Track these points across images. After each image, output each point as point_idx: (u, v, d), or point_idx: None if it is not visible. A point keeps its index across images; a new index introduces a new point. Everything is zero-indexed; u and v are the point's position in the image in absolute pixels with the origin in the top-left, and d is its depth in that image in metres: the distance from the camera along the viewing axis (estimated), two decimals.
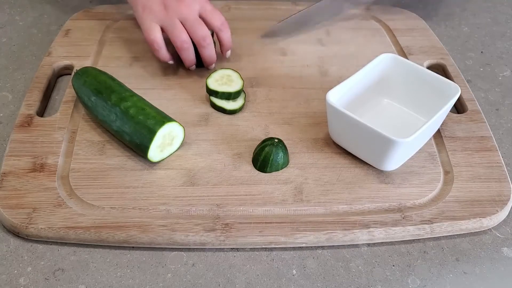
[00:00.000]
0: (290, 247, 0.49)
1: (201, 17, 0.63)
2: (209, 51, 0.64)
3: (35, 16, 0.80)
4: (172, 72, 0.67)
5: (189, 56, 0.64)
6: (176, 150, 0.56)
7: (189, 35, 0.62)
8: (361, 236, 0.49)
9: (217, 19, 0.64)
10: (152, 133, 0.51)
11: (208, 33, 0.63)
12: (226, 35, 0.65)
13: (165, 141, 0.54)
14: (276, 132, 0.59)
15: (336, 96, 0.55)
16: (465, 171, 0.55)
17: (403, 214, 0.50)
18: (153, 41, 0.62)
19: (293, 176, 0.54)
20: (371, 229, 0.49)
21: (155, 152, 0.53)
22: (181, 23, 0.62)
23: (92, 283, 0.46)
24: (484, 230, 0.51)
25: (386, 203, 0.52)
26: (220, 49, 0.66)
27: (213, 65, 0.66)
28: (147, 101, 0.56)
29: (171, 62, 0.65)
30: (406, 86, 0.59)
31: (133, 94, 0.56)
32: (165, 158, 0.55)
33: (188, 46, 0.62)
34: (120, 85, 0.57)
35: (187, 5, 0.62)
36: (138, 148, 0.53)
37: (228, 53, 0.67)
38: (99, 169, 0.54)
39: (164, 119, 0.53)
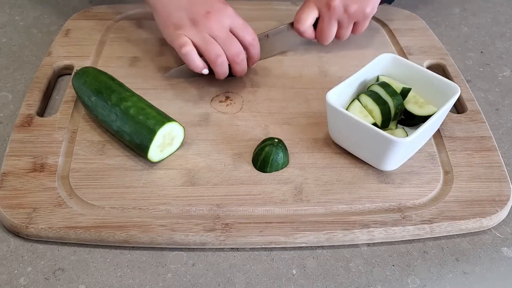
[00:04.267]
0: (290, 247, 0.49)
1: (231, 32, 0.61)
2: (242, 67, 0.62)
3: (35, 16, 0.80)
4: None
5: (222, 70, 0.61)
6: (176, 150, 0.56)
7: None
8: (361, 236, 0.49)
9: (249, 34, 0.62)
10: (152, 133, 0.52)
11: (242, 49, 0.61)
12: (256, 51, 0.63)
13: (165, 141, 0.54)
14: (276, 132, 0.59)
15: (336, 96, 0.55)
16: (465, 171, 0.55)
17: (403, 214, 0.51)
18: (187, 53, 0.60)
19: (293, 176, 0.54)
20: (371, 229, 0.49)
21: (155, 152, 0.53)
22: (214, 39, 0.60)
23: (92, 283, 0.46)
24: (484, 230, 0.51)
25: (386, 203, 0.52)
26: (247, 61, 0.64)
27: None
28: (147, 101, 0.56)
29: (205, 71, 0.61)
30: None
31: (133, 94, 0.56)
32: (165, 158, 0.55)
33: (223, 60, 0.60)
34: (120, 85, 0.57)
35: (217, 21, 0.60)
36: (138, 148, 0.53)
37: (254, 65, 0.67)
38: (99, 169, 0.54)
39: (164, 119, 0.53)
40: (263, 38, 0.67)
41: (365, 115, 0.55)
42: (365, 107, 0.56)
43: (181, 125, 0.55)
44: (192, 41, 0.60)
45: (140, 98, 0.56)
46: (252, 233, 0.48)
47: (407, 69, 0.59)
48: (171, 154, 0.56)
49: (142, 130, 0.52)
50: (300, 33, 0.67)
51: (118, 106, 0.54)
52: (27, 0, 0.83)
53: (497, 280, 0.48)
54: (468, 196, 0.52)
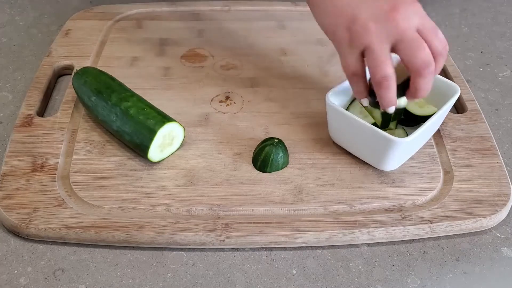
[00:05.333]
0: (290, 247, 0.49)
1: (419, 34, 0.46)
2: (427, 83, 0.47)
3: (35, 16, 0.80)
4: (172, 72, 0.67)
5: (388, 95, 0.47)
6: (176, 150, 0.56)
7: (402, 61, 0.47)
8: (361, 236, 0.49)
9: (440, 40, 0.47)
10: (152, 133, 0.52)
11: (431, 59, 0.46)
12: (441, 63, 0.48)
13: (165, 141, 0.54)
14: (276, 132, 0.59)
15: (336, 96, 0.55)
16: (465, 171, 0.55)
17: (403, 214, 0.51)
18: (350, 74, 0.49)
19: (293, 176, 0.54)
20: (371, 229, 0.49)
21: (155, 152, 0.53)
22: (394, 44, 0.46)
23: (92, 283, 0.46)
24: (484, 230, 0.51)
25: (386, 203, 0.52)
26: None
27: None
28: (147, 101, 0.56)
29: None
30: None
31: (133, 94, 0.56)
32: (165, 158, 0.55)
33: (390, 83, 0.46)
34: (120, 85, 0.57)
35: (404, 18, 0.45)
36: (138, 148, 0.53)
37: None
38: (99, 169, 0.54)
39: (164, 119, 0.53)
40: None
41: (365, 115, 0.55)
42: (365, 107, 0.56)
43: (181, 125, 0.55)
44: (361, 49, 0.47)
45: (140, 98, 0.56)
46: (252, 233, 0.48)
47: None
48: (171, 154, 0.56)
49: (142, 130, 0.52)
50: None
51: (118, 106, 0.54)
52: (27, 0, 0.83)
53: (497, 280, 0.48)
54: (468, 196, 0.52)
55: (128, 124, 0.53)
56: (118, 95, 0.55)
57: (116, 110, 0.54)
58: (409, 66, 0.46)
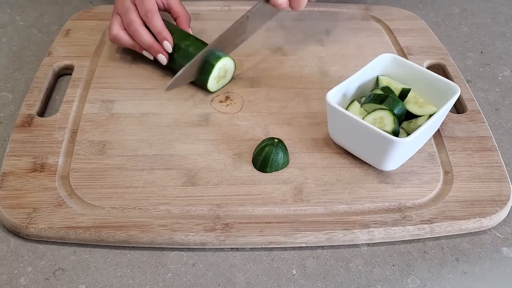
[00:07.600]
0: (290, 247, 0.49)
1: None
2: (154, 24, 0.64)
3: (35, 16, 0.80)
4: (172, 72, 0.67)
5: (139, 39, 0.64)
6: (228, 83, 0.64)
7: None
8: (361, 236, 0.49)
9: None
10: (211, 67, 0.60)
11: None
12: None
13: (221, 74, 0.62)
14: (276, 132, 0.59)
15: (336, 96, 0.55)
16: (465, 171, 0.55)
17: (403, 214, 0.51)
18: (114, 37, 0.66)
19: (293, 176, 0.54)
20: (371, 229, 0.49)
21: (212, 83, 0.62)
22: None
23: (92, 283, 0.46)
24: (484, 230, 0.51)
25: (386, 203, 0.52)
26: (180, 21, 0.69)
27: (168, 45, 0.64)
28: (202, 40, 0.64)
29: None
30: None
31: (189, 34, 0.65)
32: (220, 89, 0.64)
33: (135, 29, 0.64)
34: (177, 28, 0.66)
35: None
36: (198, 80, 0.62)
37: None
38: (99, 169, 0.54)
39: (221, 54, 0.62)
40: (245, 19, 0.65)
41: (364, 115, 0.55)
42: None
43: (232, 59, 0.63)
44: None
45: (196, 38, 0.64)
46: (252, 233, 0.48)
47: (407, 69, 0.59)
48: (224, 86, 0.64)
49: (203, 64, 0.61)
50: (277, 6, 0.63)
51: (179, 44, 0.63)
52: (27, 0, 0.83)
53: (497, 280, 0.48)
54: (468, 196, 0.52)
55: (189, 60, 0.60)
56: (178, 35, 0.64)
57: (177, 49, 0.63)
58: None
